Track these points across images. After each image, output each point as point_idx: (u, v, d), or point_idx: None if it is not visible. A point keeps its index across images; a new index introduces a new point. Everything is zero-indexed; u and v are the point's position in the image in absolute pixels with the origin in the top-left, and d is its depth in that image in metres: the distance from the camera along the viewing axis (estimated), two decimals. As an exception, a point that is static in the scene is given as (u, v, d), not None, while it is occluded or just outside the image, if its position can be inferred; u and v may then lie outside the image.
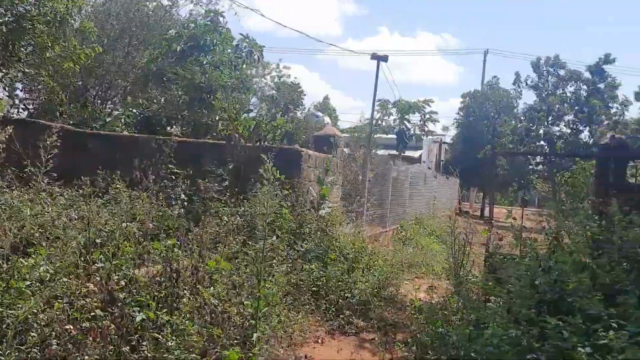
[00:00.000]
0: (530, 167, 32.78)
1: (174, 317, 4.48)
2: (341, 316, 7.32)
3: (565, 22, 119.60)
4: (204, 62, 13.95)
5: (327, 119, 31.17)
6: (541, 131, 32.23)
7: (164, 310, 4.54)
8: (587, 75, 31.78)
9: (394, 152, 27.88)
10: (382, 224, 15.53)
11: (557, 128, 32.14)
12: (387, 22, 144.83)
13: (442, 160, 39.48)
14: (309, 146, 12.85)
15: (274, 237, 7.18)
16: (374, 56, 14.80)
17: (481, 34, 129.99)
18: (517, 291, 5.19)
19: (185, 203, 8.08)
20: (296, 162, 9.02)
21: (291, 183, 8.44)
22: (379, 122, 24.24)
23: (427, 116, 24.96)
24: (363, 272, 8.35)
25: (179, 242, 5.38)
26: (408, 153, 30.69)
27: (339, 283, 7.79)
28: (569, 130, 31.84)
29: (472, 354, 4.24)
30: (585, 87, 31.60)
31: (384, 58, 14.84)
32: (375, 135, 25.98)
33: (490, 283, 6.52)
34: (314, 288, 7.59)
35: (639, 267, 5.58)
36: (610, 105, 31.19)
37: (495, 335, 4.27)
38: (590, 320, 4.49)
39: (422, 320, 5.88)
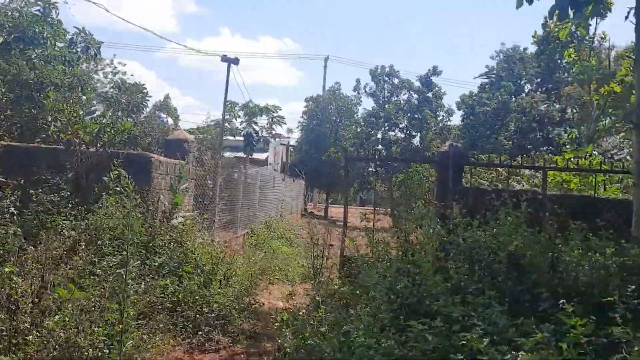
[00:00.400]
0: (370, 169, 34.77)
1: (15, 355, 3.83)
2: (200, 333, 6.96)
3: (399, 34, 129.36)
4: (33, 56, 12.44)
5: (170, 120, 29.88)
6: (379, 136, 34.40)
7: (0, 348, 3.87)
8: (417, 84, 34.67)
9: (241, 154, 27.69)
10: (234, 229, 15.28)
11: (392, 133, 34.55)
12: (228, 24, 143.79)
13: (288, 163, 40.24)
14: (151, 149, 12.07)
15: (123, 253, 6.60)
16: (225, 58, 14.46)
17: (321, 40, 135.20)
18: (381, 297, 5.35)
19: (15, 217, 7.05)
20: (146, 169, 8.38)
21: (141, 192, 7.83)
22: (226, 124, 23.89)
23: (275, 119, 25.26)
24: (221, 283, 8.04)
25: (14, 266, 4.64)
26: (255, 155, 30.73)
27: (196, 297, 7.40)
28: (403, 135, 34.40)
29: (346, 367, 4.23)
30: (416, 95, 34.41)
31: (235, 61, 14.58)
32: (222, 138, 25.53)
33: (350, 288, 6.66)
34: (169, 305, 7.12)
35: (482, 267, 6.09)
36: (438, 113, 34.34)
37: (368, 345, 4.31)
38: (449, 322, 4.77)
39: (288, 331, 5.79)
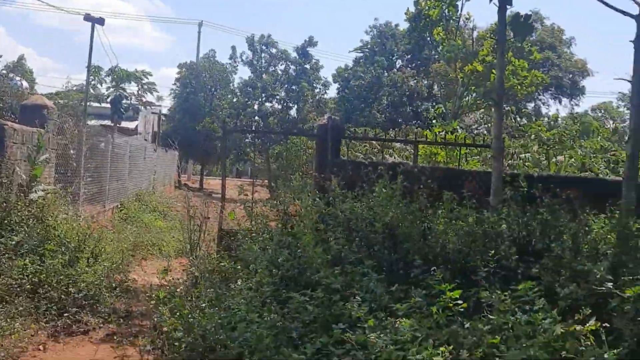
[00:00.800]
0: (247, 140, 34.42)
1: None
2: (66, 315, 6.45)
3: (276, 2, 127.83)
4: None
5: (25, 84, 27.07)
6: (256, 107, 34.05)
7: None
8: (295, 55, 34.68)
9: (107, 122, 25.91)
10: (101, 203, 14.37)
11: (269, 104, 34.39)
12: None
13: (160, 132, 38.58)
14: (3, 115, 10.84)
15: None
16: (88, 17, 13.28)
17: (194, 3, 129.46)
18: (262, 271, 5.31)
19: None
20: (-3, 137, 7.44)
21: (-8, 163, 7.01)
22: (91, 89, 21.96)
23: (145, 87, 23.60)
24: (88, 261, 7.50)
25: None
26: (124, 124, 28.95)
27: (61, 277, 6.83)
28: (280, 107, 34.38)
29: (229, 342, 4.15)
30: (293, 67, 34.44)
31: (100, 21, 13.45)
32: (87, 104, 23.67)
33: (230, 263, 6.55)
34: (29, 286, 6.50)
35: (360, 238, 6.28)
36: (315, 85, 34.70)
37: (251, 320, 4.27)
38: (329, 292, 4.87)
39: (165, 308, 5.55)
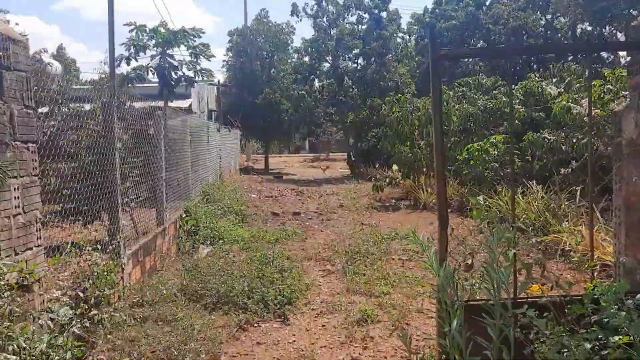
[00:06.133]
0: (318, 109, 28.84)
1: None
2: None
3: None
4: None
5: (57, 66, 22.25)
6: (326, 68, 28.30)
7: None
8: (367, 1, 28.39)
9: (158, 103, 20.85)
10: (158, 217, 9.15)
11: (345, 63, 28.44)
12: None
13: (215, 111, 33.64)
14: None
15: None
16: None
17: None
18: None
19: None
20: None
21: None
22: (131, 59, 16.53)
23: (197, 49, 17.93)
24: None
25: None
26: (176, 103, 23.94)
27: None
28: (355, 65, 28.41)
29: None
30: (367, 16, 28.25)
31: None
32: (129, 85, 18.58)
33: None
34: None
35: None
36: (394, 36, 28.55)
37: None
38: None
39: None
